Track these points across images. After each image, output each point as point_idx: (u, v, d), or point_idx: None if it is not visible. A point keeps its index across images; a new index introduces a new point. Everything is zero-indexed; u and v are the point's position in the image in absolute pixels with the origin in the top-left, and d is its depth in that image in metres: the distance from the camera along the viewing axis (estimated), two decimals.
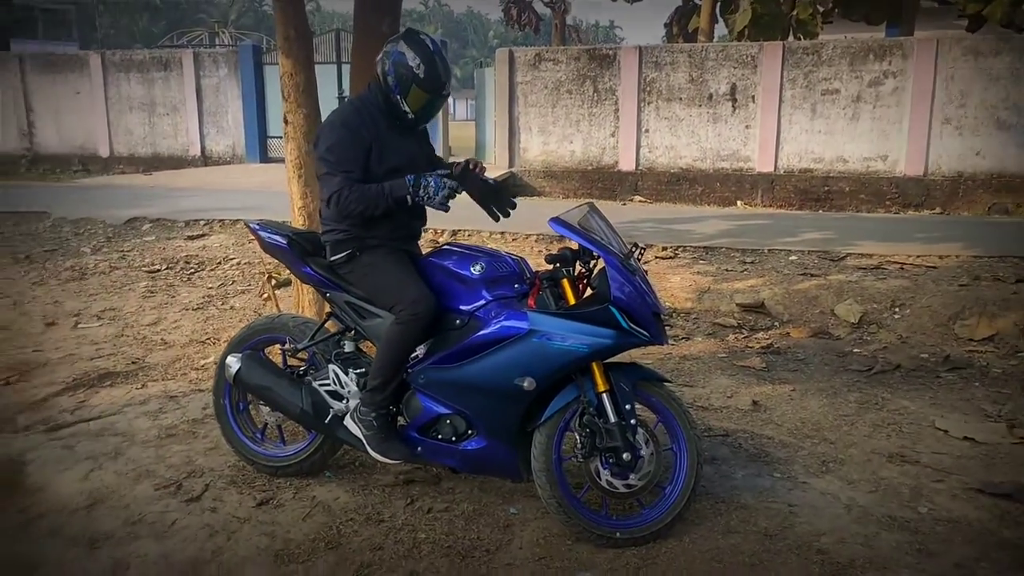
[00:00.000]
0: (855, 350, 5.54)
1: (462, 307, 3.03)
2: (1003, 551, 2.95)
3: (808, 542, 3.00)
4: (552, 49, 14.38)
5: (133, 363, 4.92)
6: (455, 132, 20.53)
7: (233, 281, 7.30)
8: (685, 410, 3.08)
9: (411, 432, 3.07)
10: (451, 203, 3.04)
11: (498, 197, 3.15)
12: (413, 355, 3.08)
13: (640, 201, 12.57)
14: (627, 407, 2.94)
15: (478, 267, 3.04)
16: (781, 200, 12.57)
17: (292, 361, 3.42)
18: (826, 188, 12.37)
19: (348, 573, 2.74)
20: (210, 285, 7.14)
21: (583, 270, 3.04)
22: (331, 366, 3.21)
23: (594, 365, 2.94)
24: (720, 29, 16.03)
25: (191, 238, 8.91)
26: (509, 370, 2.87)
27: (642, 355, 5.37)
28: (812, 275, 6.80)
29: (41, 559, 2.75)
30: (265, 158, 15.68)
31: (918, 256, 7.28)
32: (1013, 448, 3.89)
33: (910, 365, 5.18)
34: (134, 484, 3.27)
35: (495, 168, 13.77)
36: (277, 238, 3.26)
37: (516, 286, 3.04)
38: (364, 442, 3.05)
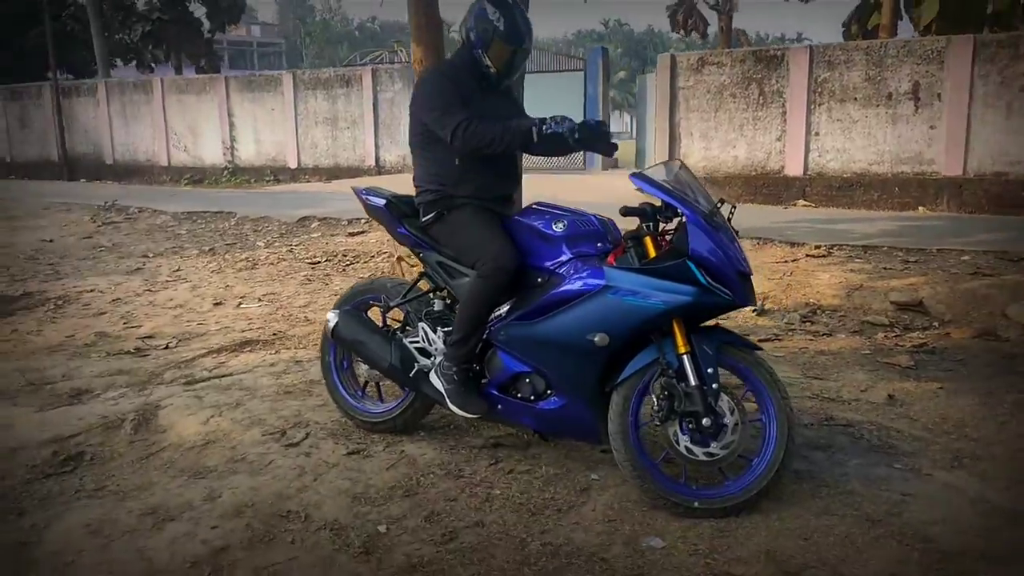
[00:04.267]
0: None
1: (544, 264, 3.02)
2: None
3: (916, 530, 2.70)
4: (716, 52, 14.00)
5: (274, 335, 5.30)
6: (620, 147, 20.47)
7: (383, 272, 7.69)
8: (776, 379, 2.88)
9: (492, 390, 3.09)
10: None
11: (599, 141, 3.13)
12: (497, 313, 3.10)
13: (804, 205, 11.90)
14: (709, 371, 2.80)
15: (560, 225, 3.02)
16: (971, 205, 11.45)
17: (391, 321, 3.54)
18: None
19: (418, 518, 2.79)
20: (362, 275, 7.55)
21: (667, 226, 2.93)
22: (421, 324, 3.30)
23: (675, 325, 2.82)
24: (904, 27, 14.92)
25: (352, 235, 9.47)
26: (583, 326, 2.82)
27: (773, 347, 5.09)
28: (984, 275, 6.14)
29: (149, 487, 3.02)
30: None
31: None
32: None
33: None
34: (246, 430, 3.51)
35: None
36: (376, 199, 3.40)
37: (599, 244, 2.98)
38: (445, 396, 3.11)
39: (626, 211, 2.94)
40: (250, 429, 3.51)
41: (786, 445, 2.83)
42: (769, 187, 12.79)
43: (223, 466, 3.16)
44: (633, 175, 2.84)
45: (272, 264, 8.38)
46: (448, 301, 3.32)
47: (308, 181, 17.15)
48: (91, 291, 7.29)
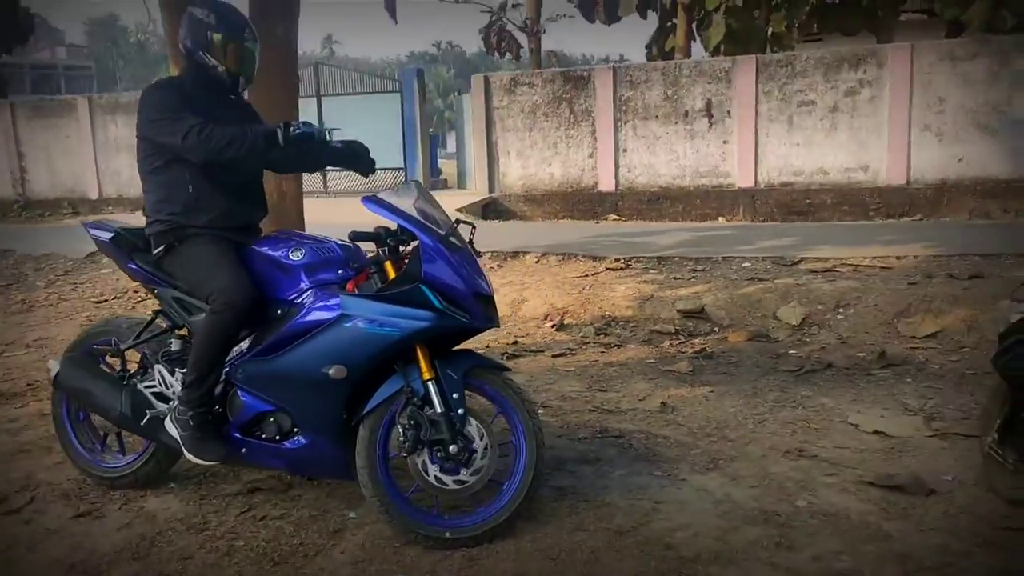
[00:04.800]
0: (791, 352, 5.27)
1: (283, 295, 2.86)
2: (874, 543, 2.68)
3: (659, 537, 2.75)
4: (527, 73, 14.32)
5: (28, 385, 4.79)
6: (446, 168, 20.49)
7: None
8: (525, 399, 2.86)
9: (235, 432, 2.88)
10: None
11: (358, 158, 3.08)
12: (238, 349, 2.90)
13: (615, 219, 12.36)
14: (455, 396, 2.73)
15: (298, 253, 2.87)
16: (763, 214, 12.31)
17: (131, 365, 3.24)
18: (808, 201, 12.09)
19: None
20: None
21: (406, 250, 2.85)
22: (157, 366, 3.04)
23: (419, 352, 2.73)
24: (698, 48, 15.96)
25: None
26: (318, 358, 2.68)
27: (566, 362, 5.16)
28: (760, 280, 6.54)
29: None
30: None
31: (875, 257, 6.99)
32: (925, 441, 3.61)
33: (844, 364, 4.90)
34: None
35: (476, 194, 13.69)
36: (102, 233, 3.12)
37: (340, 271, 2.86)
38: (180, 443, 2.86)
39: (355, 236, 2.83)
40: None
41: (535, 466, 2.80)
42: (584, 203, 13.19)
43: None
44: (365, 199, 2.74)
45: (51, 305, 7.66)
46: (187, 340, 3.07)
47: (111, 212, 15.94)
48: None
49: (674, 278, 6.89)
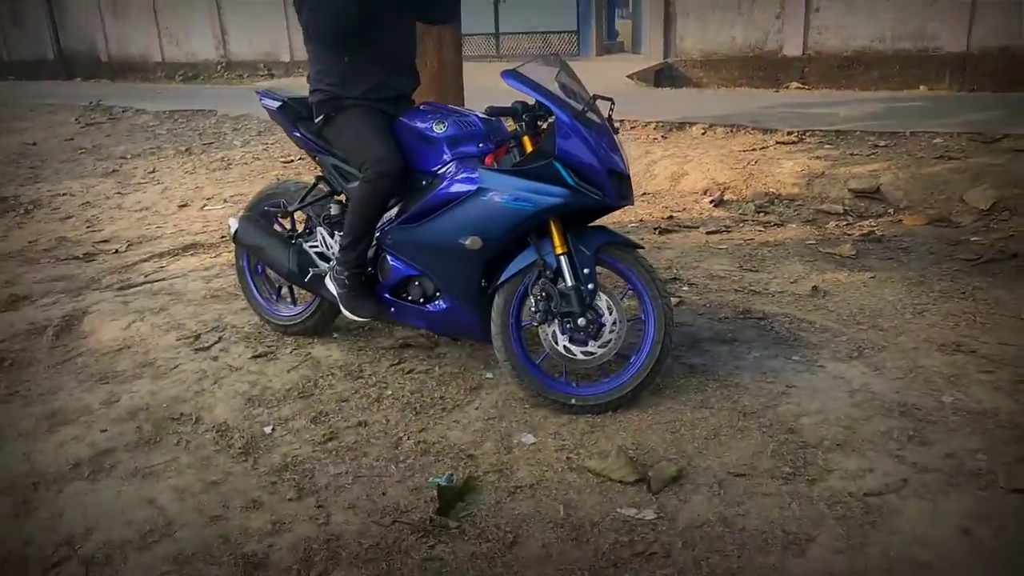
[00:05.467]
0: (973, 239, 4.85)
1: (427, 167, 2.99)
2: (1018, 445, 2.55)
3: (783, 421, 2.76)
4: None
5: (222, 237, 5.34)
6: (624, 30, 19.66)
7: None
8: (655, 278, 2.88)
9: (384, 293, 3.12)
10: None
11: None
12: (387, 216, 3.09)
13: (798, 87, 11.49)
14: (585, 271, 2.80)
15: (442, 126, 2.96)
16: (973, 83, 10.98)
17: (300, 226, 3.55)
18: None
19: (306, 419, 2.89)
20: None
21: (543, 125, 2.87)
22: (319, 228, 3.31)
23: (552, 226, 2.80)
24: None
25: None
26: (456, 229, 2.81)
27: (720, 239, 5.05)
28: (950, 158, 5.96)
29: (56, 391, 3.14)
30: None
31: None
32: None
33: None
34: (163, 335, 3.60)
35: (649, 60, 13.12)
36: (271, 102, 3.35)
37: (480, 145, 2.94)
38: (338, 299, 3.15)
39: (492, 111, 2.87)
40: (167, 334, 3.60)
41: (663, 343, 2.85)
42: (766, 69, 12.33)
43: (131, 371, 3.27)
44: (505, 73, 2.75)
45: (246, 164, 8.36)
46: (344, 205, 3.30)
47: (302, 75, 16.80)
48: (63, 195, 7.35)
49: (851, 154, 6.42)
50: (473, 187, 2.79)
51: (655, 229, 5.37)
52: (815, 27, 11.94)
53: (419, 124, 3.01)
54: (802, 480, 2.42)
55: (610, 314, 2.83)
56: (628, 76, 12.01)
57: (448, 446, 2.70)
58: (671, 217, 5.69)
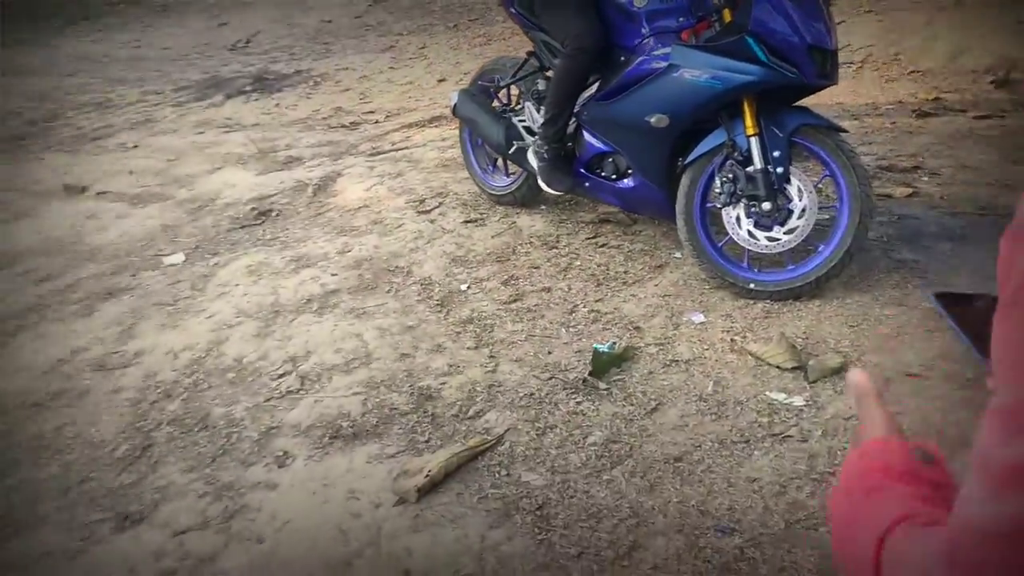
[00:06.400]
0: None
1: (626, 43, 2.99)
2: None
3: None
4: None
5: None
6: None
7: None
8: (856, 164, 2.69)
9: (579, 168, 3.24)
10: None
11: None
12: (588, 93, 3.17)
13: None
14: (776, 154, 2.69)
15: (642, 0, 2.92)
16: None
17: (515, 101, 3.73)
18: None
19: (498, 280, 3.16)
20: None
21: None
22: (527, 103, 3.47)
23: (745, 106, 2.71)
24: None
25: None
26: (644, 107, 2.82)
27: (988, 127, 4.46)
28: None
29: (306, 239, 3.70)
30: None
31: None
32: None
33: None
34: (395, 197, 4.04)
35: None
36: None
37: (680, 19, 2.87)
38: (537, 172, 3.32)
39: None
40: (399, 197, 4.04)
41: (855, 233, 2.69)
42: None
43: (364, 227, 3.74)
44: None
45: (504, 39, 8.65)
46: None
47: None
48: (346, 69, 8.17)
49: None
50: (664, 63, 2.76)
51: (914, 111, 4.84)
52: None
53: None
54: (982, 389, 2.24)
55: (800, 200, 2.72)
56: None
57: (619, 317, 2.83)
58: (937, 99, 5.07)
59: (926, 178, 3.79)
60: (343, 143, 5.24)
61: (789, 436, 2.16)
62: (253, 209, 4.10)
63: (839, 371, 2.38)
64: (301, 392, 2.55)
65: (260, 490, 2.13)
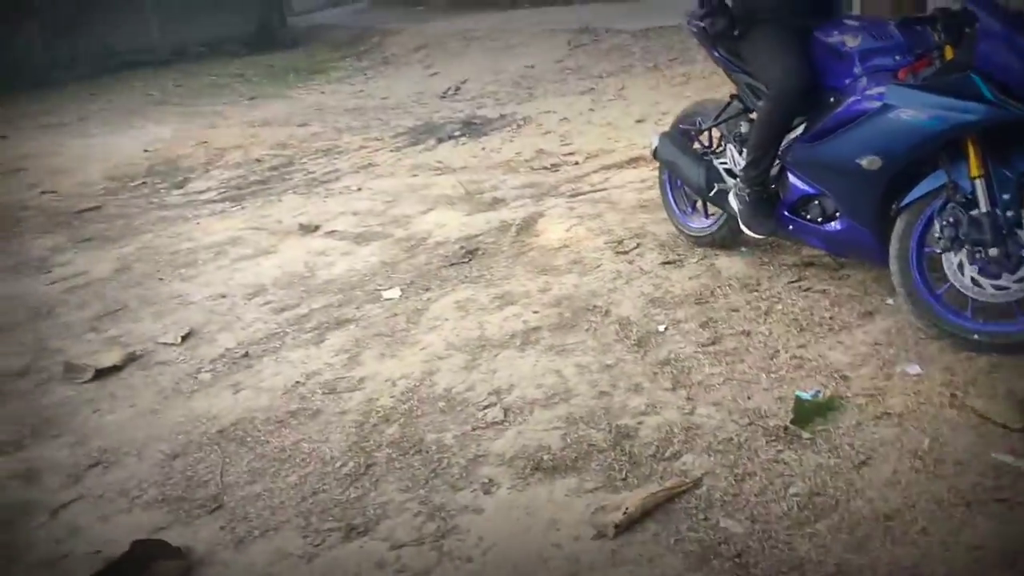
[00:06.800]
0: None
1: (837, 83, 2.93)
2: None
3: None
4: None
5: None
6: None
7: None
8: None
9: (783, 211, 3.19)
10: None
11: None
12: (793, 134, 3.13)
13: None
14: (1005, 196, 2.53)
15: (854, 40, 2.87)
16: None
17: (716, 143, 3.75)
18: None
19: (696, 322, 3.17)
20: None
21: (969, 32, 2.58)
22: (729, 145, 3.47)
23: (969, 146, 2.57)
24: None
25: None
26: (854, 148, 2.75)
27: None
28: None
29: (510, 277, 3.90)
30: None
31: None
32: None
33: None
34: (595, 238, 4.16)
35: None
36: (695, 23, 3.54)
37: (897, 58, 2.78)
38: (738, 215, 3.30)
39: (906, 21, 2.66)
40: (598, 237, 4.15)
41: None
42: None
43: (564, 266, 3.88)
44: None
45: (704, 78, 8.61)
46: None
47: None
48: (548, 112, 8.49)
49: None
50: (878, 103, 2.68)
51: None
52: None
53: (832, 38, 2.95)
54: None
55: None
56: None
57: (824, 364, 2.75)
58: None
59: None
60: (544, 184, 5.46)
61: (1020, 503, 2.00)
62: (461, 248, 4.37)
63: None
64: (505, 423, 2.69)
65: (468, 513, 2.28)
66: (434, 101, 10.12)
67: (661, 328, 3.17)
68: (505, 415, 2.74)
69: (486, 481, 2.41)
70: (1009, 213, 2.52)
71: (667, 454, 2.41)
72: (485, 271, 4.03)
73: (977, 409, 2.35)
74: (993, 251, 2.54)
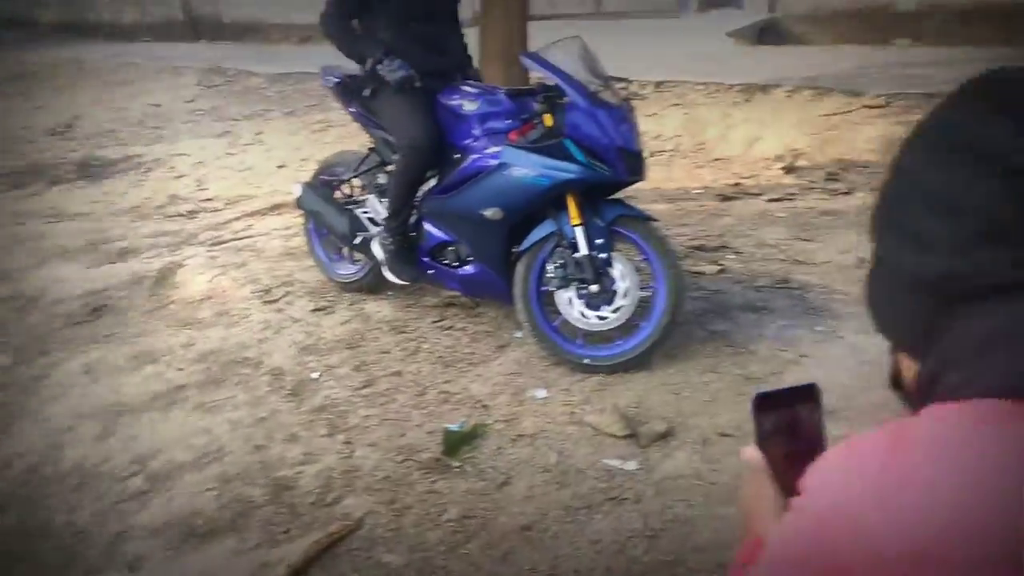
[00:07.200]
0: None
1: (459, 141, 3.25)
2: None
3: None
4: None
5: None
6: None
7: None
8: (668, 248, 3.05)
9: (423, 256, 3.43)
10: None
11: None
12: (428, 186, 3.39)
13: (907, 44, 10.94)
14: (599, 241, 3.01)
15: (472, 104, 3.20)
16: None
17: (358, 192, 3.90)
18: None
19: (350, 367, 3.25)
20: None
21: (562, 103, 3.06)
22: (370, 196, 3.64)
23: (568, 199, 3.02)
24: None
25: None
26: (480, 201, 3.07)
27: (781, 207, 5.09)
28: None
29: (148, 334, 3.63)
30: None
31: None
32: None
33: None
34: (240, 287, 4.05)
35: (751, 15, 12.78)
36: (330, 79, 3.67)
37: (508, 121, 3.16)
38: (382, 263, 3.48)
39: (515, 92, 3.09)
40: (244, 287, 4.05)
41: (673, 310, 3.03)
42: (878, 24, 11.78)
43: (209, 319, 3.73)
44: (524, 54, 2.98)
45: (343, 125, 8.81)
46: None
47: None
48: (180, 155, 8.02)
49: None
50: (495, 162, 3.04)
51: (718, 195, 5.45)
52: None
53: (452, 102, 3.26)
54: None
55: (623, 282, 3.04)
56: (728, 34, 11.76)
57: (467, 396, 3.00)
58: (738, 184, 5.73)
59: (732, 255, 4.28)
60: (181, 232, 5.17)
61: (625, 499, 2.38)
62: (86, 305, 3.97)
63: (665, 435, 2.66)
64: (150, 492, 2.51)
65: None
66: (42, 139, 9.00)
67: (315, 375, 3.20)
68: (151, 483, 2.55)
69: (132, 558, 2.23)
70: (603, 255, 3.01)
71: (328, 500, 2.45)
72: (117, 328, 3.71)
73: (591, 423, 2.75)
74: (594, 287, 3.02)
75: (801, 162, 6.01)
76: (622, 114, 2.96)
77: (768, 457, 0.84)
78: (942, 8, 11.28)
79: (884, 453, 0.59)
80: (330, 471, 2.58)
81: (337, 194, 3.88)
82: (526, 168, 2.96)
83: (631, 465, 2.54)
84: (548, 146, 2.93)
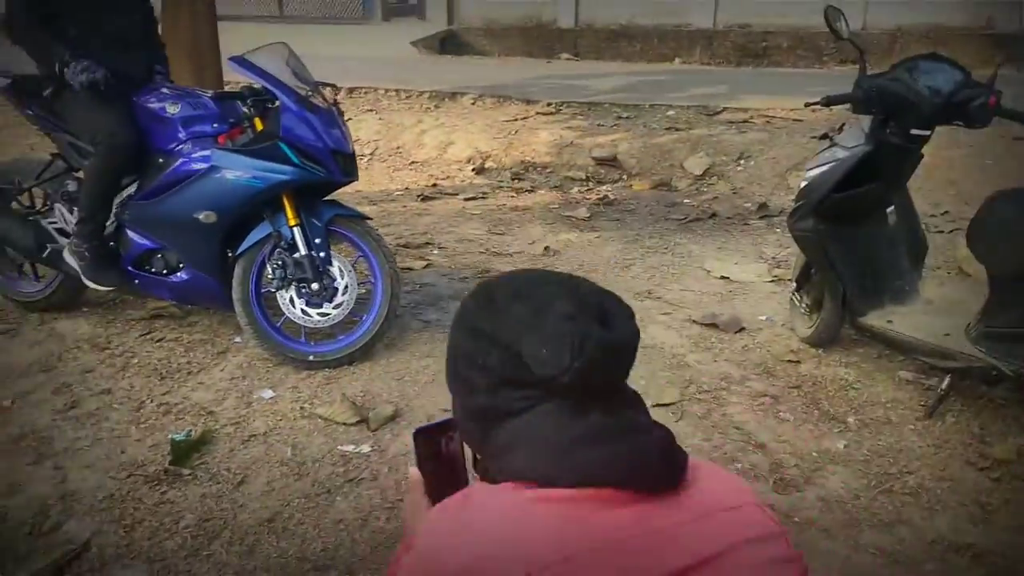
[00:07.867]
0: (686, 201, 5.66)
1: (163, 146, 3.15)
2: (672, 370, 3.18)
3: None
4: None
5: None
6: None
7: None
8: (383, 245, 3.25)
9: (127, 266, 3.26)
10: None
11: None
12: (126, 193, 3.23)
13: (567, 59, 12.29)
14: (317, 240, 3.11)
15: (175, 107, 3.13)
16: (720, 57, 12.27)
17: (39, 203, 3.57)
18: (764, 44, 12.04)
19: (47, 391, 3.01)
20: None
21: (272, 107, 3.13)
22: (57, 205, 3.37)
23: (284, 201, 3.08)
24: None
25: None
26: (192, 205, 3.02)
27: (476, 206, 5.52)
28: (677, 129, 6.79)
29: None
30: None
31: (791, 109, 7.21)
32: (762, 286, 4.08)
33: (727, 214, 5.31)
34: None
35: (432, 26, 13.41)
36: (1, 80, 3.33)
37: (214, 125, 3.14)
38: (80, 272, 3.24)
39: (221, 96, 3.10)
40: None
41: (390, 303, 3.23)
42: (543, 39, 13.02)
43: None
44: (232, 59, 2.98)
45: (20, 126, 7.79)
46: (82, 181, 3.38)
47: None
48: None
49: (598, 125, 7.12)
50: (206, 165, 3.01)
51: (418, 196, 5.76)
52: (585, 1, 12.77)
53: (153, 104, 3.16)
54: None
55: (342, 279, 3.17)
56: (412, 43, 12.26)
57: (190, 405, 2.94)
58: (435, 185, 6.10)
59: (436, 251, 4.60)
60: None
61: (363, 479, 2.53)
62: None
63: (393, 417, 2.85)
64: None
65: None
66: None
67: (7, 403, 2.91)
68: None
69: None
70: (322, 254, 3.12)
71: (45, 528, 2.29)
72: None
73: (322, 415, 2.86)
74: (315, 286, 3.11)
75: (489, 164, 6.54)
76: (332, 118, 3.09)
77: (424, 476, 1.10)
78: (595, 28, 12.79)
79: (458, 505, 0.93)
80: (43, 499, 2.41)
81: (14, 205, 3.53)
82: (239, 171, 2.97)
83: (364, 448, 2.69)
84: (262, 148, 2.97)
